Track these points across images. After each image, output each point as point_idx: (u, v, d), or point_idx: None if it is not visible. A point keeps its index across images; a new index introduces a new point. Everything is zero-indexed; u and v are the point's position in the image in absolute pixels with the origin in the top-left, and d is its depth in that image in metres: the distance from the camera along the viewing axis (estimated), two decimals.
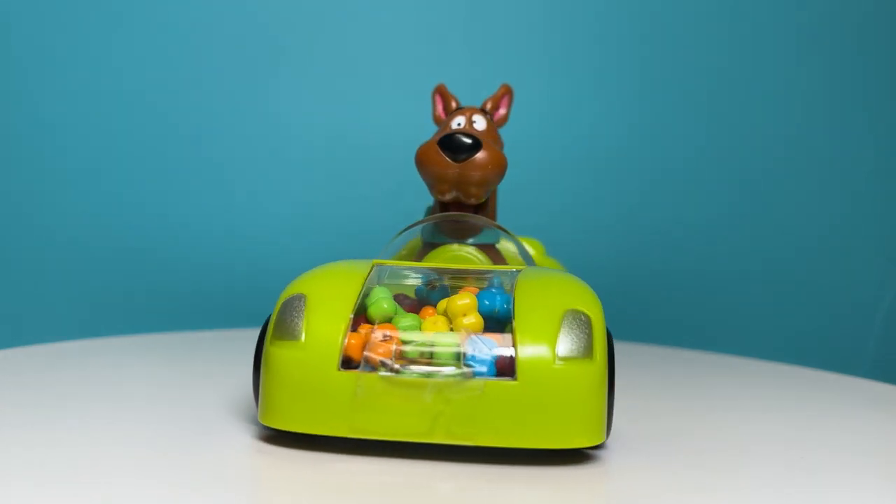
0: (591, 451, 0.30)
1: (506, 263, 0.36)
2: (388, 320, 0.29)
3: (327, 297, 0.30)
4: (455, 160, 0.35)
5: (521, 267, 0.33)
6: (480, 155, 0.35)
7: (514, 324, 0.28)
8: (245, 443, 0.29)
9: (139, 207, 0.63)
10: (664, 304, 0.69)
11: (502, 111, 0.39)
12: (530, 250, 0.43)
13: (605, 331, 0.29)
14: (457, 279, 0.32)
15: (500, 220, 0.40)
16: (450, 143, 0.35)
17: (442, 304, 0.30)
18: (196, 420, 0.32)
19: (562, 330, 0.28)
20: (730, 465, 0.29)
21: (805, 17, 0.70)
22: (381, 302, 0.29)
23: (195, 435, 0.30)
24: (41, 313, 0.61)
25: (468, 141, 0.34)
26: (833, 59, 0.70)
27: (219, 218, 0.64)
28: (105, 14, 0.62)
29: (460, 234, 0.36)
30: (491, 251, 0.36)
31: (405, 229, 0.37)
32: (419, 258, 0.36)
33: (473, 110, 0.38)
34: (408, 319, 0.29)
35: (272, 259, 0.63)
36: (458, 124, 0.37)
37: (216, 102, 0.64)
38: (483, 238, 0.36)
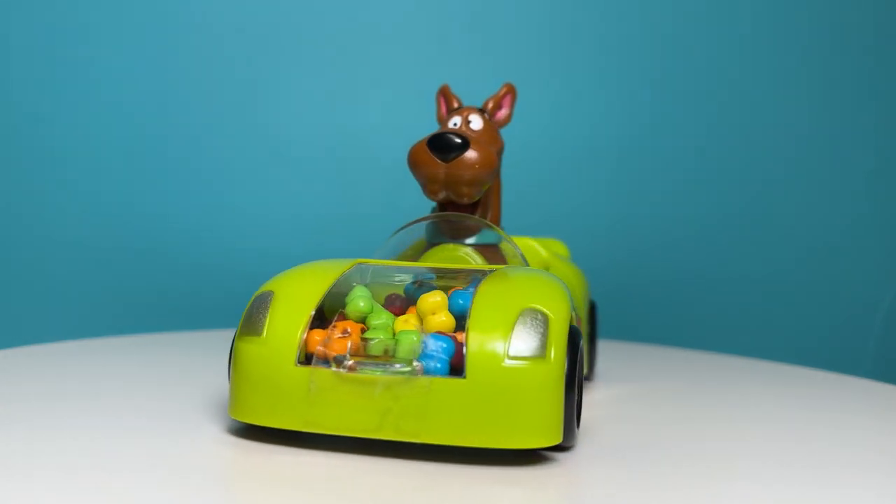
0: (579, 451, 0.30)
1: (505, 263, 0.36)
2: (363, 318, 0.29)
3: (293, 294, 0.30)
4: (444, 160, 0.35)
5: (501, 266, 0.33)
6: (468, 154, 0.35)
7: (468, 322, 0.28)
8: (214, 436, 0.30)
9: (139, 207, 0.63)
10: (664, 304, 0.69)
11: (505, 111, 0.39)
12: (542, 252, 0.42)
13: (566, 331, 0.28)
14: (446, 278, 0.32)
15: (503, 220, 0.40)
16: (438, 143, 0.35)
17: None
18: (182, 415, 0.33)
19: (515, 328, 0.28)
20: (729, 464, 0.29)
21: (806, 16, 0.70)
22: (358, 300, 0.30)
23: (177, 429, 0.31)
24: (41, 313, 0.61)
25: (456, 140, 0.35)
26: (834, 59, 0.70)
27: (219, 218, 0.64)
28: (105, 14, 0.62)
29: (458, 233, 0.36)
30: (490, 251, 0.36)
31: (400, 230, 0.37)
32: (418, 257, 0.36)
33: (470, 110, 0.38)
34: (381, 317, 0.29)
35: (272, 259, 0.63)
36: (455, 124, 0.37)
37: (216, 103, 0.64)
38: (483, 238, 0.36)
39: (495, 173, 0.36)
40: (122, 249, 0.63)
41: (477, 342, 0.27)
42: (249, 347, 0.29)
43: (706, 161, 0.70)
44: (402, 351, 0.28)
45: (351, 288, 0.31)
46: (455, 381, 0.27)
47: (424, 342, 0.28)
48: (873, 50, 0.70)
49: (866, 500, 0.26)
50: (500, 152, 0.38)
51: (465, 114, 0.37)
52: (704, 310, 0.69)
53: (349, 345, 0.28)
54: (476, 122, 0.37)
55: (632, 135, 0.69)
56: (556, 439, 0.27)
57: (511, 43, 0.68)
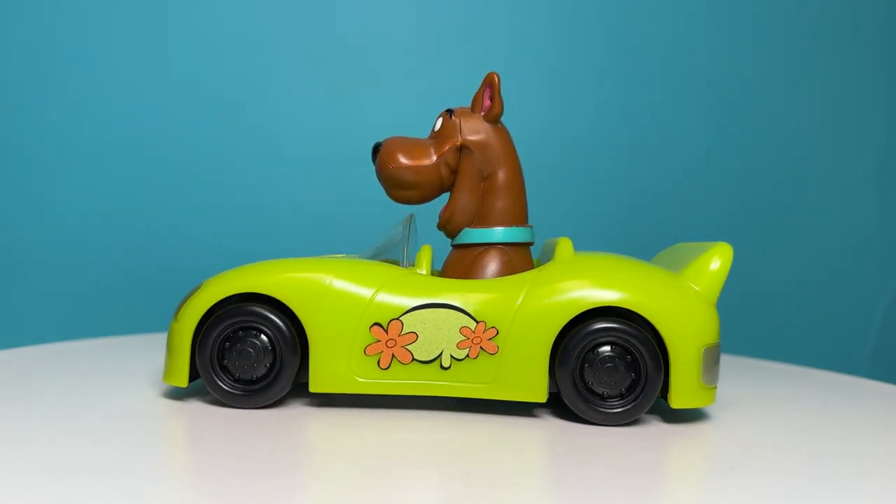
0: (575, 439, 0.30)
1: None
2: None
3: None
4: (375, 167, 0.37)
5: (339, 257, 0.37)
6: (378, 158, 0.37)
7: None
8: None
9: (139, 207, 0.63)
10: None
11: (489, 102, 0.36)
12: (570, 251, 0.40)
13: (212, 300, 0.34)
14: None
15: (531, 217, 0.39)
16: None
17: None
18: (173, 406, 0.34)
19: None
20: (727, 464, 0.29)
21: (806, 16, 0.70)
22: None
23: (168, 416, 0.32)
24: (41, 313, 0.61)
25: (375, 146, 0.37)
26: (835, 58, 0.70)
27: (219, 219, 0.64)
28: (105, 15, 0.63)
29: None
30: (466, 250, 0.37)
31: (399, 228, 0.39)
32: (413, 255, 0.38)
33: (441, 114, 0.37)
34: None
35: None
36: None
37: (216, 103, 0.64)
38: (461, 239, 0.37)
39: (419, 171, 0.36)
40: (124, 251, 0.63)
41: None
42: None
43: (705, 161, 0.70)
44: None
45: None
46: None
47: None
48: (874, 50, 0.70)
49: (866, 499, 0.26)
50: (457, 149, 0.36)
51: (438, 119, 0.37)
52: None
53: None
54: (438, 124, 0.37)
55: (630, 134, 0.69)
56: (181, 383, 0.34)
57: (510, 42, 0.68)
